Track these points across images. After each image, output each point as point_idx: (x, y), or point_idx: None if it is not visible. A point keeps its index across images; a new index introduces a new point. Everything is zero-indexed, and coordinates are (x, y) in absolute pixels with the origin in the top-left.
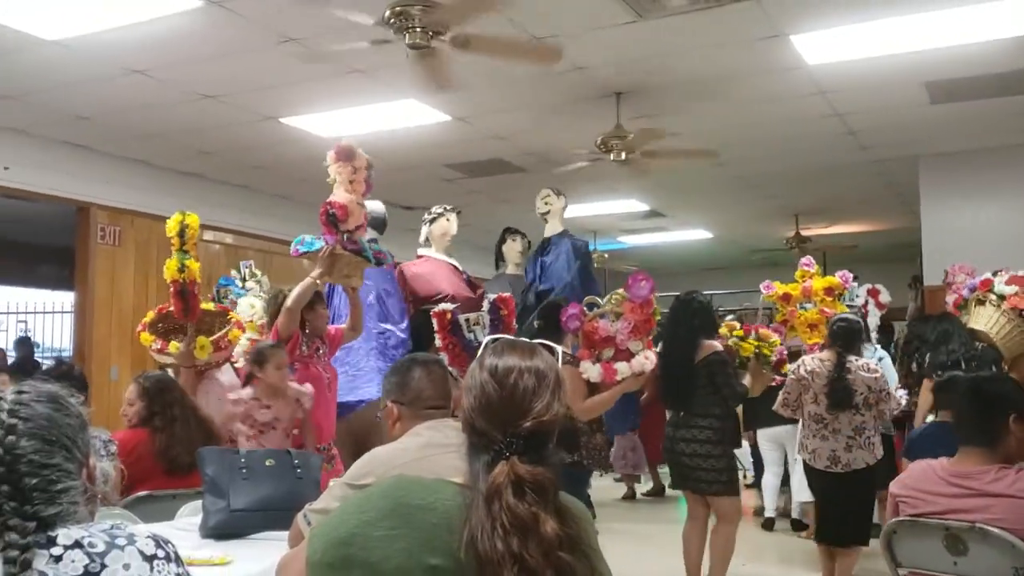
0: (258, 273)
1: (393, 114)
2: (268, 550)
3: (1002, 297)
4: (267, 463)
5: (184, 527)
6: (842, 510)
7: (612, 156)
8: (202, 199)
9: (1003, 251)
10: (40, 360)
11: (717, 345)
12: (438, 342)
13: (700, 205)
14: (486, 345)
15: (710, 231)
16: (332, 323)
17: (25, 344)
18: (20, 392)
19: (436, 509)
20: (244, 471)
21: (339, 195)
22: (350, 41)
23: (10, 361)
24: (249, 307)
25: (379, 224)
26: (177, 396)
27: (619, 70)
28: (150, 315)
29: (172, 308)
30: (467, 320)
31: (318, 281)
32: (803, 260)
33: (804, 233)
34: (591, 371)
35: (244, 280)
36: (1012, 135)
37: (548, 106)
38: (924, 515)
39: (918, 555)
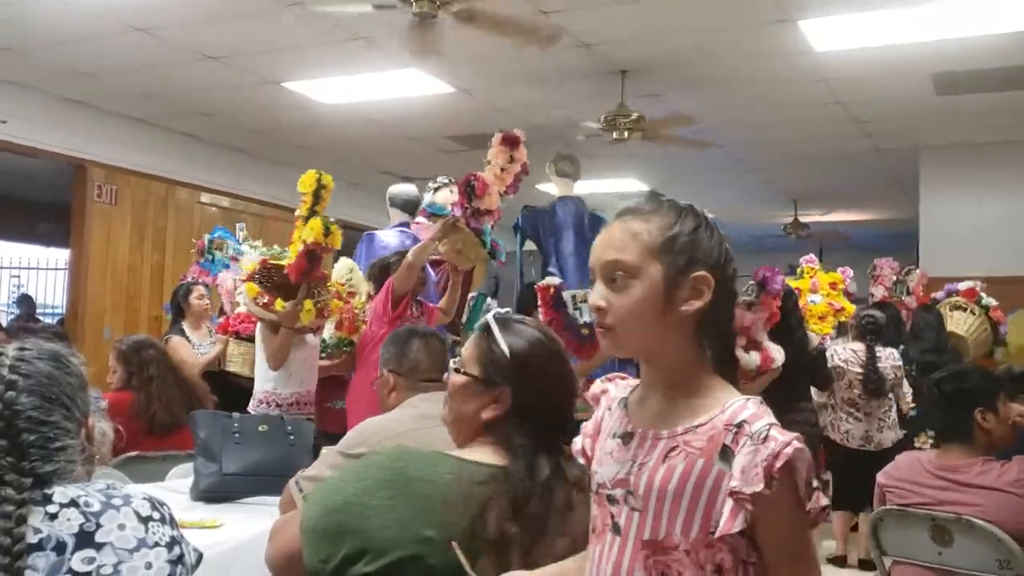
0: (250, 238)
1: (396, 83)
2: (259, 515)
3: (986, 309)
4: (260, 428)
5: (174, 489)
6: (868, 482)
7: (615, 135)
8: (200, 161)
9: (1000, 246)
10: (40, 318)
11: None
12: (540, 317)
13: (699, 187)
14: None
15: (708, 214)
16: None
17: (27, 302)
18: (22, 349)
19: (434, 482)
20: (237, 435)
21: (487, 174)
22: (356, 6)
23: (10, 318)
24: (347, 271)
25: (413, 208)
26: (153, 355)
27: (626, 47)
28: (254, 264)
29: (283, 265)
30: (573, 297)
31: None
32: (806, 258)
33: (802, 219)
34: (748, 359)
35: (239, 243)
36: (1015, 130)
37: (553, 81)
38: (911, 505)
39: (904, 544)
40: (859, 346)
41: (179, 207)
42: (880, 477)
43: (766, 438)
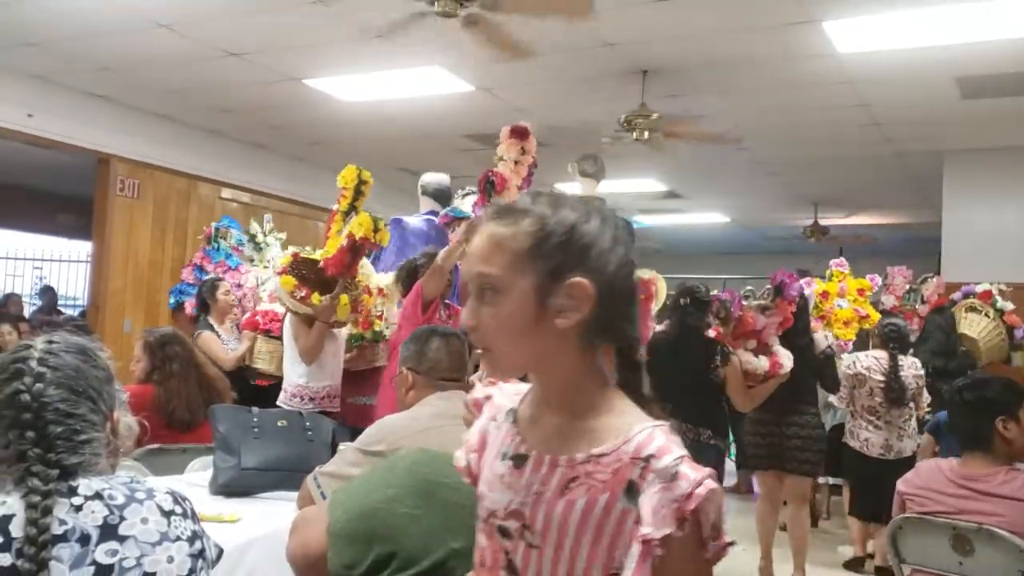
0: (275, 230)
1: (416, 81)
2: (277, 510)
3: (1001, 312)
4: (279, 423)
5: (193, 482)
6: (887, 491)
7: (635, 135)
8: (221, 157)
9: (1023, 252)
10: (62, 309)
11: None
12: None
13: (719, 188)
14: None
15: (727, 215)
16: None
17: (49, 293)
18: (50, 342)
19: (460, 489)
20: (256, 430)
21: (502, 169)
22: (377, 4)
23: (32, 309)
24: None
25: (444, 197)
26: (178, 351)
27: (647, 48)
28: (287, 258)
29: (315, 259)
30: None
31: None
32: (836, 261)
33: (822, 223)
34: (758, 362)
35: (265, 235)
36: None
37: (573, 81)
38: (931, 513)
39: (923, 553)
40: (881, 354)
41: (200, 202)
42: (900, 484)
43: (676, 475)
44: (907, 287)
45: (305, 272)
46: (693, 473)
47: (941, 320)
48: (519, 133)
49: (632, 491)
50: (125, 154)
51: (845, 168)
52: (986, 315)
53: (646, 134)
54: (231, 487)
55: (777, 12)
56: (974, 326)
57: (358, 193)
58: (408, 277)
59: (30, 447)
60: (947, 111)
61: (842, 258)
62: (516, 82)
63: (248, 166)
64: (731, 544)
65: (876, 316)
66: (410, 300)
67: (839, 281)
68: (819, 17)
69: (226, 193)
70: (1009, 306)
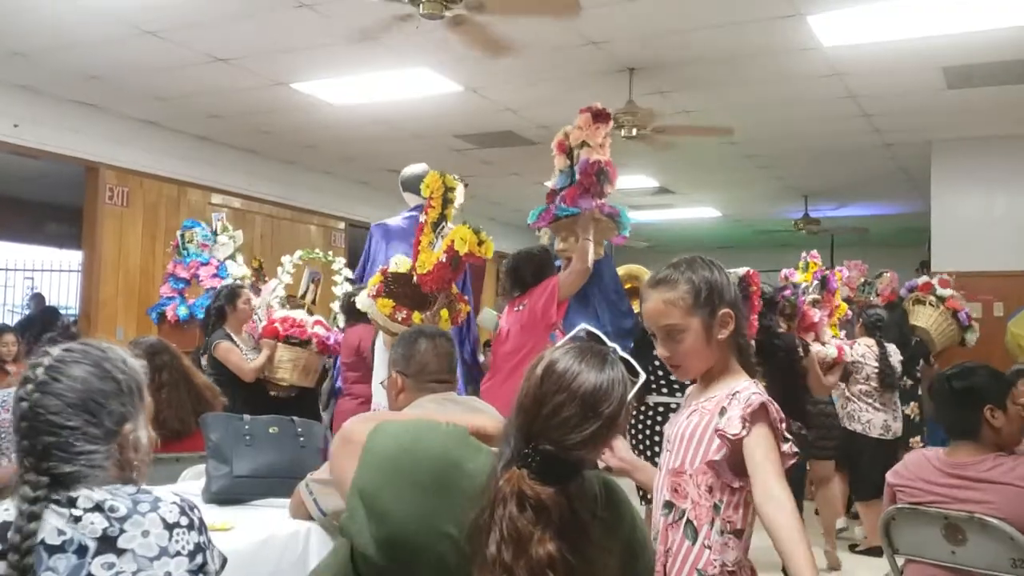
0: (230, 227)
1: (404, 82)
2: (270, 517)
3: (942, 299)
4: (271, 430)
5: (187, 491)
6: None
7: (623, 132)
8: (211, 162)
9: (1012, 241)
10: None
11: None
12: None
13: (709, 183)
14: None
15: (718, 210)
16: None
17: (38, 300)
18: (68, 351)
19: (476, 478)
20: (248, 438)
21: (602, 156)
22: (364, 7)
23: (19, 318)
24: None
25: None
26: (167, 361)
27: (634, 45)
28: (377, 278)
29: (405, 273)
30: None
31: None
32: (811, 253)
33: (813, 215)
34: (827, 350)
35: (216, 233)
36: None
37: (561, 80)
38: (922, 504)
39: (916, 543)
40: (870, 342)
41: (191, 209)
42: (890, 476)
43: (748, 399)
44: (862, 280)
45: (399, 290)
46: (756, 397)
47: (894, 315)
48: (603, 117)
49: (722, 412)
50: (113, 162)
51: (834, 160)
52: (930, 304)
53: (634, 131)
54: (224, 495)
55: (762, 7)
56: (922, 317)
57: (446, 201)
58: (541, 269)
59: (25, 456)
60: (934, 101)
61: (815, 251)
62: (504, 82)
63: (238, 171)
64: (796, 455)
65: (844, 307)
66: (542, 300)
67: (814, 271)
68: (804, 11)
69: (216, 199)
70: (948, 293)
